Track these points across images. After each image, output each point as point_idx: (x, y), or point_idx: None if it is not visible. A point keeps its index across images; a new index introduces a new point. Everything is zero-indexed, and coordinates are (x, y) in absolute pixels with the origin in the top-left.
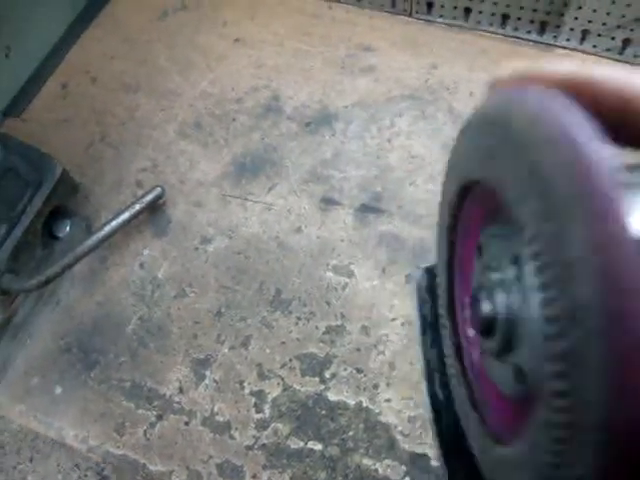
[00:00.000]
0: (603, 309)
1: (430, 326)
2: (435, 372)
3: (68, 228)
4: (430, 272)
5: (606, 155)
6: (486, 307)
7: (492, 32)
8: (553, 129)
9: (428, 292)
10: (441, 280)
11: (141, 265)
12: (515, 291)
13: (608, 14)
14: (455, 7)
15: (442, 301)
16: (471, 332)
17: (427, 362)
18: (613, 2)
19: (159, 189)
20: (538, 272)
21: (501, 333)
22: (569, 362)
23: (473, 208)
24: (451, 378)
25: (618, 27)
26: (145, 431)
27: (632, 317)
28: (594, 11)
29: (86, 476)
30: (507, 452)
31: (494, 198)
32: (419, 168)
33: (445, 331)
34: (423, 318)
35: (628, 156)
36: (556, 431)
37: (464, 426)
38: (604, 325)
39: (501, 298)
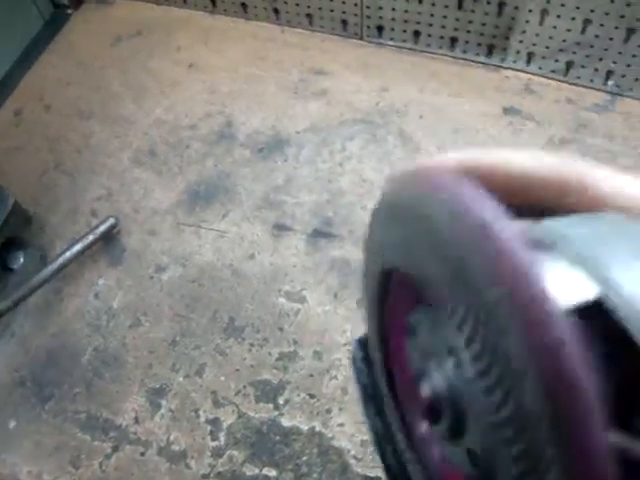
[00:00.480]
0: (552, 415)
1: (372, 396)
2: (385, 443)
3: (22, 259)
4: (363, 343)
5: (533, 255)
6: (428, 393)
7: (442, 54)
8: (473, 226)
9: (364, 363)
10: (376, 355)
11: (96, 295)
12: (458, 380)
13: (550, 38)
14: (405, 30)
15: (381, 376)
16: (417, 415)
17: (374, 434)
18: (554, 27)
19: (112, 219)
20: (480, 375)
21: (448, 419)
22: (525, 463)
23: (398, 290)
24: (403, 452)
25: (561, 50)
26: (101, 463)
27: (582, 421)
28: (537, 35)
29: None
30: None
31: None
32: (370, 192)
33: (389, 406)
34: (363, 388)
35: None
36: None
37: None
38: (555, 430)
39: (443, 385)
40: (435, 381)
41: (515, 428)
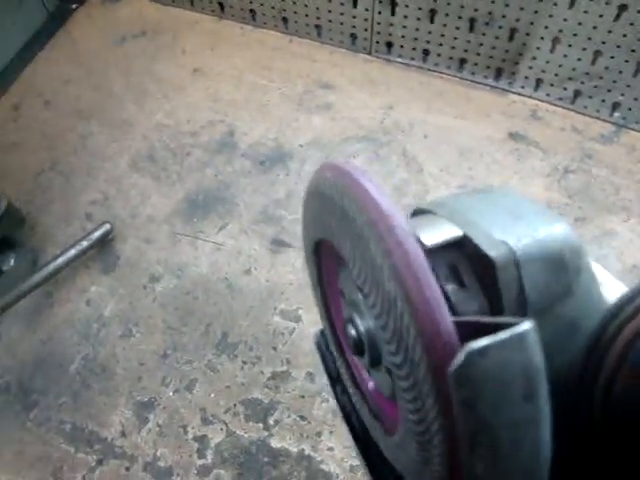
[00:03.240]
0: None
1: (337, 378)
2: (353, 419)
3: (13, 261)
4: (325, 333)
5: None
6: (352, 332)
7: (450, 74)
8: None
9: (327, 349)
10: (325, 327)
11: (87, 302)
12: (367, 320)
13: (560, 66)
14: (414, 48)
15: (332, 344)
16: (354, 359)
17: (343, 410)
18: (565, 56)
19: (108, 226)
20: (371, 307)
21: (368, 347)
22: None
23: (326, 260)
24: (356, 404)
25: (569, 79)
26: (84, 476)
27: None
28: (547, 62)
29: None
30: (395, 439)
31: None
32: None
33: (342, 368)
34: (329, 373)
35: None
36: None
37: (372, 435)
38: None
39: (359, 322)
40: (355, 323)
41: (397, 333)
